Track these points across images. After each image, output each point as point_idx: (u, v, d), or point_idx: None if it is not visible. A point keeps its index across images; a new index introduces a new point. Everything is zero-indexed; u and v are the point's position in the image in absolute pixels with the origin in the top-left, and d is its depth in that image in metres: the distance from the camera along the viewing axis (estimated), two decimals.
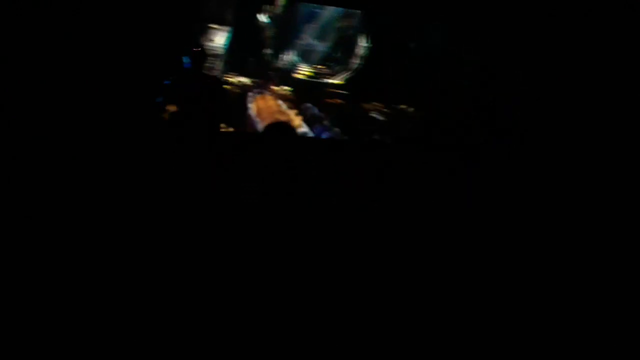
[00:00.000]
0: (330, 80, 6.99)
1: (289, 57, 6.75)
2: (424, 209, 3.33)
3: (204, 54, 4.07)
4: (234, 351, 2.05)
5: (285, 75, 6.67)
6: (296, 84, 6.75)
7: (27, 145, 3.51)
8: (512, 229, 3.39)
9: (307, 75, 6.90)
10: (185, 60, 3.92)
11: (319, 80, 6.91)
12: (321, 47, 6.87)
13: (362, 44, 7.00)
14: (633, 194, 3.57)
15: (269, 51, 6.53)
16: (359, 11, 6.80)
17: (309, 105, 6.22)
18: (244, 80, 6.24)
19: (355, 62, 7.01)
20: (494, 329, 2.34)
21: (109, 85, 4.11)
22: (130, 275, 2.56)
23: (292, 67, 6.79)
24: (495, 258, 3.02)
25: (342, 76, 7.01)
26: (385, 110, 5.76)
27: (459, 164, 4.02)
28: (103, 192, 3.45)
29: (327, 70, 6.96)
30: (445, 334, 2.29)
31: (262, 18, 6.43)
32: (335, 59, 6.99)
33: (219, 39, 5.98)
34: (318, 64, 6.90)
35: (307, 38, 6.76)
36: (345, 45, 6.99)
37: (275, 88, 6.64)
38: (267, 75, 6.56)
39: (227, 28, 6.15)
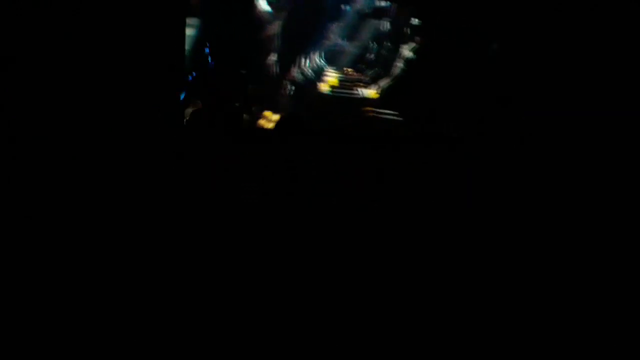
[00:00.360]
0: (365, 92, 5.19)
1: (306, 64, 4.96)
2: (424, 209, 3.36)
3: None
4: (234, 351, 2.12)
5: (297, 96, 4.79)
6: (313, 104, 4.89)
7: (29, 145, 3.44)
8: (512, 228, 3.42)
9: (330, 86, 5.14)
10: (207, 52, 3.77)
11: (348, 95, 5.10)
12: (351, 47, 5.11)
13: (409, 40, 5.13)
14: (634, 195, 3.66)
15: (272, 59, 4.69)
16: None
17: None
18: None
19: (398, 65, 5.18)
20: (494, 329, 2.40)
21: (112, 82, 3.81)
22: (130, 274, 2.59)
23: (309, 81, 4.96)
24: (496, 258, 3.03)
25: (379, 85, 5.19)
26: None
27: (458, 164, 4.02)
28: (103, 191, 3.40)
29: (357, 76, 5.21)
30: (446, 333, 2.35)
31: (260, 4, 4.52)
32: (368, 62, 5.11)
33: None
34: (347, 68, 5.14)
35: (334, 37, 5.03)
36: (383, 43, 5.10)
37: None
38: (264, 98, 4.56)
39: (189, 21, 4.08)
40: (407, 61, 5.09)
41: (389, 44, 5.25)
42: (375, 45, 5.27)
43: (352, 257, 2.80)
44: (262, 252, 2.65)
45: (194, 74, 3.72)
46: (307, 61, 5.07)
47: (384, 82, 5.18)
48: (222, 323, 2.25)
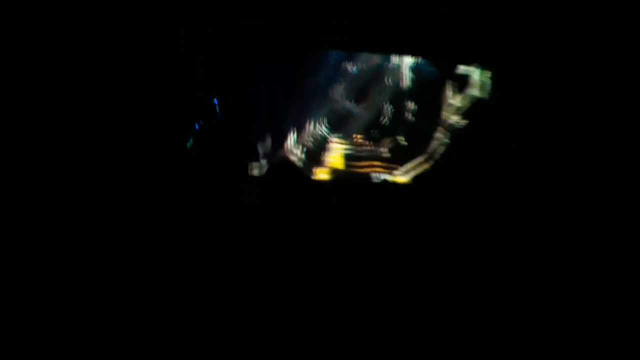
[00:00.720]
0: (389, 179, 3.45)
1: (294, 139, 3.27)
2: (423, 209, 3.24)
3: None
4: (235, 351, 2.08)
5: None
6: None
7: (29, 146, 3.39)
8: (512, 229, 3.37)
9: (331, 170, 3.41)
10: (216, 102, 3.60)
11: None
12: (360, 110, 3.63)
13: (451, 99, 3.43)
14: (633, 196, 3.67)
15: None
16: None
17: None
18: None
19: (439, 135, 3.42)
20: (494, 329, 2.36)
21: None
22: (131, 275, 2.57)
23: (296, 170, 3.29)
24: (496, 258, 2.98)
25: (412, 166, 3.43)
26: None
27: (458, 165, 3.82)
28: (102, 192, 3.35)
29: (370, 147, 3.52)
30: (445, 334, 2.30)
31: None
32: (384, 128, 3.59)
33: None
34: (357, 135, 3.47)
35: (339, 98, 3.53)
36: (404, 103, 3.58)
37: None
38: None
39: None
40: (456, 129, 3.29)
41: (414, 105, 3.50)
42: (391, 107, 3.54)
43: (352, 257, 2.67)
44: (262, 251, 2.52)
45: (201, 122, 3.53)
46: (302, 133, 3.35)
47: (418, 163, 3.34)
48: (223, 322, 2.17)
